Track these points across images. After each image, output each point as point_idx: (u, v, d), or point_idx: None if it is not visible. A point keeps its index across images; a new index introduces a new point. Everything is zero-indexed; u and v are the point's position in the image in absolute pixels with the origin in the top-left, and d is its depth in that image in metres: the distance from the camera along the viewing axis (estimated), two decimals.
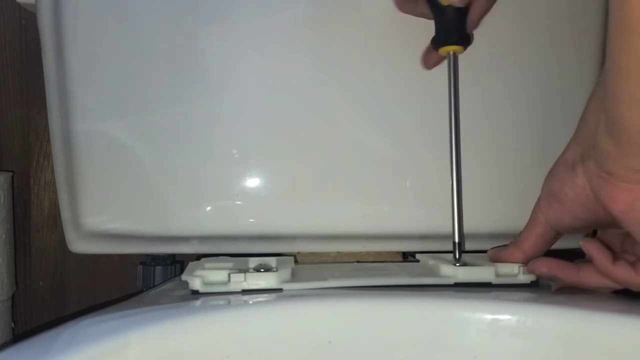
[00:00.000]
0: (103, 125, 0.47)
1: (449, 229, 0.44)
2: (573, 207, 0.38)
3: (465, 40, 0.44)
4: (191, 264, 0.43)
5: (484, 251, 0.46)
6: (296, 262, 0.48)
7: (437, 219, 0.48)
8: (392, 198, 0.48)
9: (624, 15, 0.29)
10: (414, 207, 0.48)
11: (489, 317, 0.35)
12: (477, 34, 0.47)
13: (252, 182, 0.47)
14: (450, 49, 0.44)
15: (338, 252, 0.50)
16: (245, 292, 0.39)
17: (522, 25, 0.48)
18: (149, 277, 0.58)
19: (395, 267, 0.46)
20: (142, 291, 0.54)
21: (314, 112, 0.47)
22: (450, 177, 0.44)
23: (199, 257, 0.46)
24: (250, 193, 0.47)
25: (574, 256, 0.41)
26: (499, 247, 0.44)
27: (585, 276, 0.39)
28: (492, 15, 0.46)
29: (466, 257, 0.44)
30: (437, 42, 0.44)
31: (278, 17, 0.47)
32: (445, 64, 0.45)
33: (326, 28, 0.47)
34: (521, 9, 0.48)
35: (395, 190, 0.48)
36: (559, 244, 0.44)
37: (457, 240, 0.43)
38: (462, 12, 0.43)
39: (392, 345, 0.35)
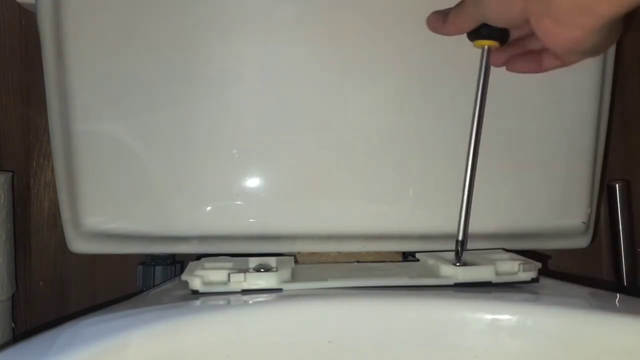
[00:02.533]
0: (103, 125, 0.47)
1: (448, 229, 0.44)
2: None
3: (502, 35, 0.42)
4: (191, 264, 0.43)
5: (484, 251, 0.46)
6: (296, 262, 0.48)
7: (437, 219, 0.48)
8: (392, 198, 0.48)
9: None
10: (414, 207, 0.48)
11: (489, 317, 0.35)
12: None
13: (252, 182, 0.47)
14: (485, 43, 0.43)
15: (338, 252, 0.50)
16: (245, 292, 0.39)
17: None
18: (149, 277, 0.58)
19: (395, 267, 0.46)
20: (142, 291, 0.54)
21: (314, 112, 0.47)
22: (463, 175, 0.44)
23: (199, 257, 0.46)
24: (250, 193, 0.47)
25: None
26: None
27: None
28: None
29: (466, 256, 0.44)
30: (473, 34, 0.43)
31: (278, 17, 0.47)
32: (444, 61, 0.45)
33: (327, 28, 0.47)
34: None
35: (395, 190, 0.48)
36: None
37: (460, 238, 0.43)
38: None
39: (392, 345, 0.35)
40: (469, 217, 0.44)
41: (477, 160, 0.44)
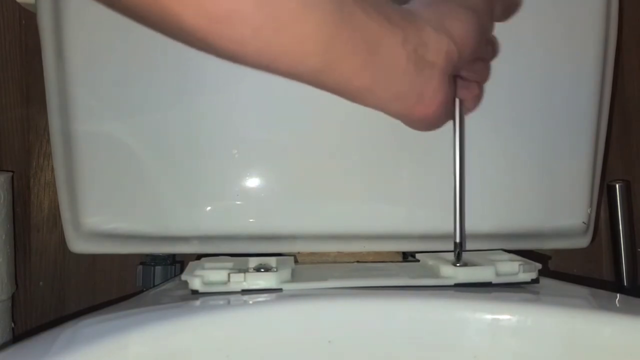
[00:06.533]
0: (103, 126, 0.47)
1: (449, 229, 0.44)
2: None
3: None
4: (191, 264, 0.43)
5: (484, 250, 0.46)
6: (296, 262, 0.48)
7: (437, 219, 0.48)
8: (392, 198, 0.48)
9: None
10: (414, 207, 0.48)
11: (489, 317, 0.35)
12: None
13: (252, 182, 0.47)
14: None
15: (338, 252, 0.50)
16: (245, 292, 0.39)
17: (525, 25, 0.48)
18: (149, 277, 0.58)
19: (395, 268, 0.46)
20: (142, 291, 0.54)
21: (314, 112, 0.47)
22: (452, 177, 0.44)
23: (199, 257, 0.46)
24: (250, 193, 0.47)
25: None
26: None
27: None
28: None
29: (466, 256, 0.44)
30: None
31: None
32: None
33: None
34: (522, 10, 0.48)
35: (395, 190, 0.48)
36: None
37: (458, 240, 0.43)
38: None
39: (392, 345, 0.35)
40: (464, 219, 0.44)
41: (464, 163, 0.44)
